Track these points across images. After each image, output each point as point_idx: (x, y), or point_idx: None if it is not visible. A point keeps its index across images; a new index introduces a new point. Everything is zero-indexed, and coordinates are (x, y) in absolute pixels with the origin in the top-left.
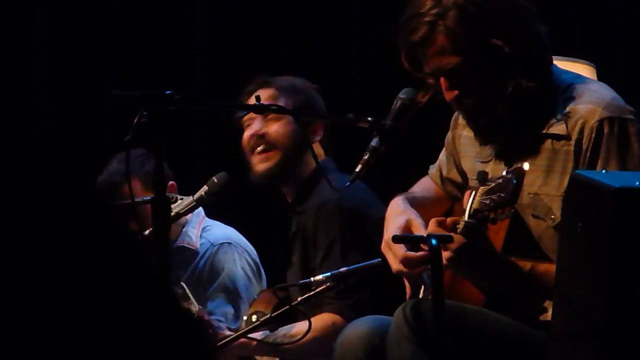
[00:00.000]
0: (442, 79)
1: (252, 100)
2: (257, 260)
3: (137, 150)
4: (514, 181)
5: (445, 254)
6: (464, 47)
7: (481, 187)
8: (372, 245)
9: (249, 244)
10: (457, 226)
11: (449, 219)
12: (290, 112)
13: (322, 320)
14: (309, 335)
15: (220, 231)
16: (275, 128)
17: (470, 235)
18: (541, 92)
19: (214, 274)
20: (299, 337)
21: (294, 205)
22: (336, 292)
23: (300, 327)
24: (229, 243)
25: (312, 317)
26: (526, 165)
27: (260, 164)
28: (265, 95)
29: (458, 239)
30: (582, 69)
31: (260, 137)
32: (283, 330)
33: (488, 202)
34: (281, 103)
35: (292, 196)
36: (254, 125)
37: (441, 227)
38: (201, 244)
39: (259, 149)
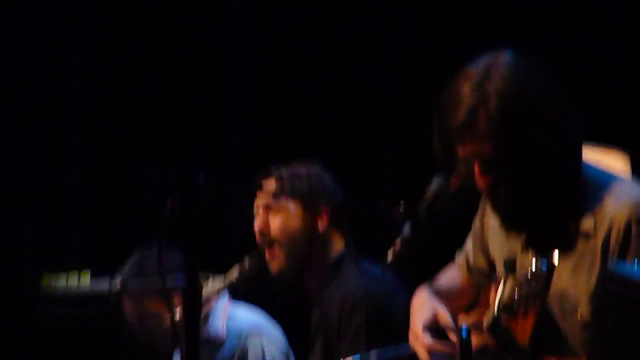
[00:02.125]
0: (476, 165)
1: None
2: (287, 346)
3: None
4: (544, 272)
5: None
6: (502, 135)
7: (510, 279)
8: (398, 336)
9: (277, 328)
10: (486, 319)
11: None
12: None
13: None
14: None
15: (247, 318)
16: (277, 223)
17: (495, 334)
18: (571, 185)
19: None
20: None
21: (316, 294)
22: None
23: None
24: (257, 332)
25: None
26: (555, 257)
27: (270, 262)
28: (267, 184)
29: (481, 339)
30: (615, 156)
31: (263, 234)
32: None
33: (517, 295)
34: (285, 191)
35: (314, 285)
36: (257, 220)
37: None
38: (228, 333)
39: (265, 246)
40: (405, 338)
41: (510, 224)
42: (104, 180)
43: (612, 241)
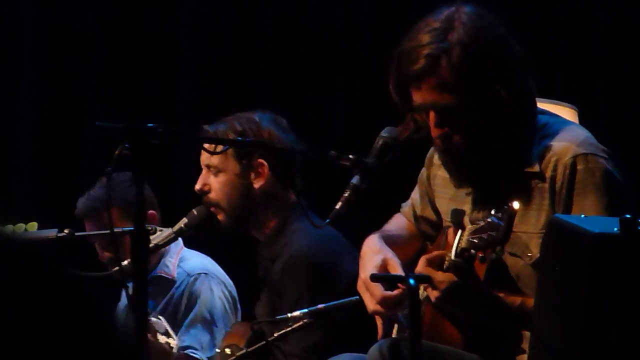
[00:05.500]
0: (432, 114)
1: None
2: (234, 291)
3: (122, 175)
4: (505, 220)
5: (433, 293)
6: (464, 86)
7: (469, 226)
8: (344, 296)
9: (225, 274)
10: (444, 263)
11: (436, 255)
12: (274, 149)
13: None
14: None
15: (197, 261)
16: (216, 185)
17: (460, 273)
18: (525, 136)
19: (191, 304)
20: None
21: (261, 250)
22: (300, 350)
23: None
24: (206, 273)
25: None
26: (516, 204)
27: (216, 215)
28: (206, 143)
29: (447, 276)
30: (564, 111)
31: (205, 193)
32: None
33: (477, 242)
34: (220, 149)
35: (261, 240)
36: (199, 179)
37: (430, 267)
38: (178, 274)
39: (208, 205)
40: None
41: (460, 178)
42: (53, 134)
43: (559, 180)
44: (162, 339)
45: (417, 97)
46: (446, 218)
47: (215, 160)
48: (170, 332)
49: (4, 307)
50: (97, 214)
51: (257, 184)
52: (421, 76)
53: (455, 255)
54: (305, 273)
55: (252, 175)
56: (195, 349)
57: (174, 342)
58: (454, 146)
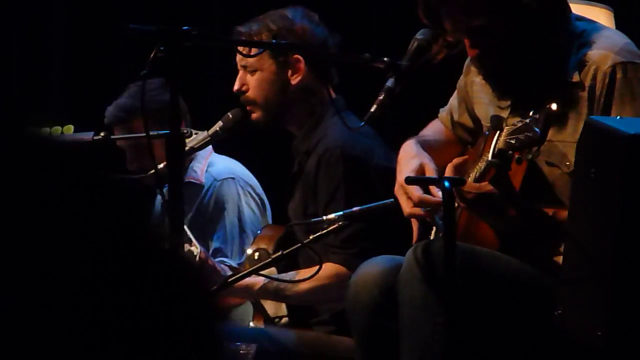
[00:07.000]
0: (466, 38)
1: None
2: (262, 193)
3: (151, 83)
4: (542, 119)
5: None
6: (493, 4)
7: (507, 127)
8: (375, 193)
9: (253, 177)
10: (477, 166)
11: (462, 160)
12: (310, 50)
13: (327, 270)
14: (313, 284)
15: (224, 166)
16: (253, 83)
17: (497, 175)
18: (559, 42)
19: (218, 209)
20: (301, 284)
21: (297, 145)
22: (340, 241)
23: (304, 274)
24: (232, 178)
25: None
26: (554, 105)
27: (251, 114)
28: (243, 48)
29: (478, 186)
30: (599, 13)
31: (242, 93)
32: (287, 277)
33: (514, 142)
34: (256, 49)
35: (297, 135)
36: (237, 80)
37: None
38: (206, 179)
39: (245, 104)
40: (383, 196)
41: (501, 92)
42: (87, 36)
43: (598, 89)
44: (185, 247)
45: (449, 22)
46: (485, 123)
47: (250, 60)
48: (193, 239)
49: (47, 206)
50: (124, 122)
51: (294, 80)
52: (449, 2)
53: (493, 156)
54: (342, 165)
55: (289, 72)
56: (225, 256)
57: (196, 250)
58: (492, 63)
